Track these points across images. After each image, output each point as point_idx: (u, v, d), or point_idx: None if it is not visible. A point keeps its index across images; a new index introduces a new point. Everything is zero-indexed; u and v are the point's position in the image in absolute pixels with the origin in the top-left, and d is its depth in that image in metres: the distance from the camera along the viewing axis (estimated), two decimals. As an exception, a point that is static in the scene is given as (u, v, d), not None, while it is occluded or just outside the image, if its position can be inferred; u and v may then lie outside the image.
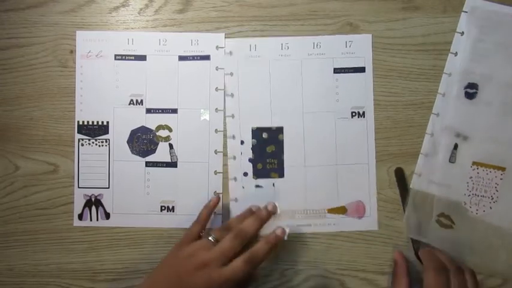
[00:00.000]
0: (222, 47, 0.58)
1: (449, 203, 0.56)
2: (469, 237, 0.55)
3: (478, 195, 0.55)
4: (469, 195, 0.55)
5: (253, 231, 0.50)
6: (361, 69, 0.57)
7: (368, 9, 0.58)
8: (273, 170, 0.57)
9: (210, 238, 0.49)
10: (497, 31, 0.56)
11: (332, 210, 0.57)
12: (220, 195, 0.57)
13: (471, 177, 0.55)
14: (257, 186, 0.57)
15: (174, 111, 0.57)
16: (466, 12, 0.57)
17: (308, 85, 0.57)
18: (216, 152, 0.57)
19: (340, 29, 0.57)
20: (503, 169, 0.55)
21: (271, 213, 0.53)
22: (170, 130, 0.57)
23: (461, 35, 0.57)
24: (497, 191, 0.55)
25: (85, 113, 0.57)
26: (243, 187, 0.57)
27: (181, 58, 0.58)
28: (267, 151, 0.57)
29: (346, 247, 0.57)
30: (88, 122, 0.57)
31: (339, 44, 0.57)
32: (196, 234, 0.52)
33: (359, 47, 0.57)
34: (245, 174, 0.57)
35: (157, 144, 0.57)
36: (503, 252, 0.55)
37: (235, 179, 0.57)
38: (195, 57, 0.58)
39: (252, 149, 0.57)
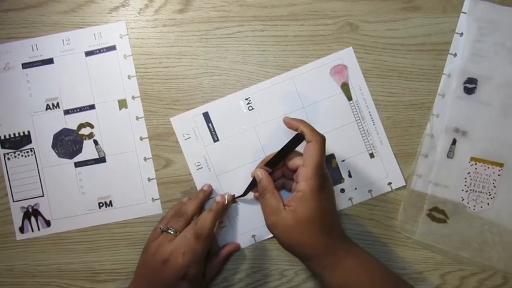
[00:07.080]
0: (126, 35, 0.57)
1: (446, 198, 0.55)
2: (465, 233, 0.55)
3: (476, 191, 0.55)
4: (467, 191, 0.55)
5: (209, 225, 0.50)
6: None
7: (368, 9, 0.57)
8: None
9: (170, 231, 0.51)
10: (496, 32, 0.56)
11: None
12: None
13: (469, 173, 0.55)
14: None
15: (92, 107, 0.57)
16: (465, 13, 0.56)
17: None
18: (141, 138, 0.57)
19: (340, 29, 0.57)
20: (501, 165, 0.55)
21: (221, 203, 0.53)
22: (92, 127, 0.57)
23: (461, 36, 0.56)
24: (495, 187, 0.55)
25: (4, 127, 0.57)
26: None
27: (88, 54, 0.57)
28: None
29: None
30: (9, 135, 0.57)
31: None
32: (160, 232, 0.52)
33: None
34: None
35: (82, 143, 0.57)
36: (499, 248, 0.54)
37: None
38: (101, 50, 0.57)
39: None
